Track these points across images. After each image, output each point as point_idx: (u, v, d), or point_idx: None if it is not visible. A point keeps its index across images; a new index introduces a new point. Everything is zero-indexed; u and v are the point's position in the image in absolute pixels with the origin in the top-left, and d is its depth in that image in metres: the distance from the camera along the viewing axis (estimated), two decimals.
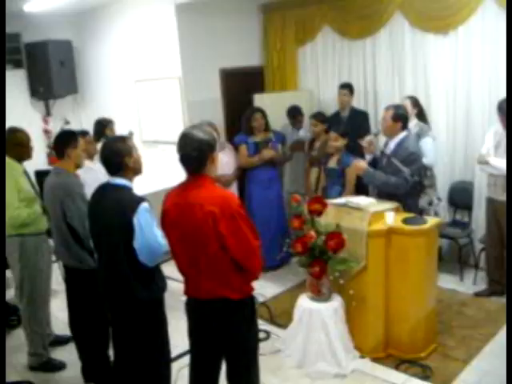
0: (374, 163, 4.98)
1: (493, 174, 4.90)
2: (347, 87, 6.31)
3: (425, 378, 4.03)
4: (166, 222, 2.98)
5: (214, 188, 2.90)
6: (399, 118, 4.64)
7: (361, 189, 5.11)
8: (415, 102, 5.67)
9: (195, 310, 3.06)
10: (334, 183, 5.43)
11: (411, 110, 5.52)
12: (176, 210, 2.91)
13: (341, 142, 5.35)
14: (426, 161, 5.23)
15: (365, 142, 4.95)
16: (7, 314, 5.07)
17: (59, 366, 4.47)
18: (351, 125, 6.03)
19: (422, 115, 5.71)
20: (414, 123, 5.52)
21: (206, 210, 2.76)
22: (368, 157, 5.00)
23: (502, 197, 4.85)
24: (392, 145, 4.68)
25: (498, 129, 4.90)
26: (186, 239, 2.89)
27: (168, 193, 3.04)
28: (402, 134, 4.66)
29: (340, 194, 5.25)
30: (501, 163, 4.75)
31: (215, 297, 2.92)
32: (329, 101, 6.98)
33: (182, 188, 2.95)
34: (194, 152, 2.81)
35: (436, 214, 4.44)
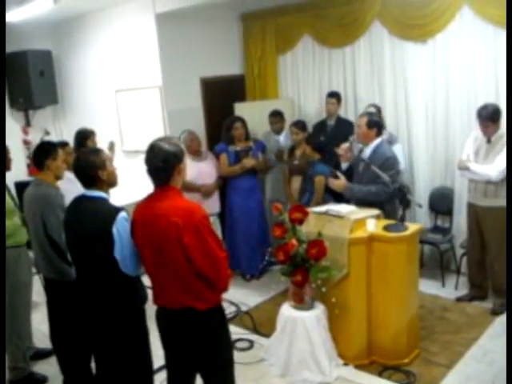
0: (350, 171, 5.03)
1: (473, 179, 4.95)
2: (335, 96, 6.29)
3: None
4: (134, 234, 2.99)
5: (179, 199, 2.90)
6: (374, 124, 4.74)
7: (339, 195, 5.14)
8: (379, 111, 5.75)
9: (164, 319, 3.05)
10: (306, 190, 5.56)
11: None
12: (142, 221, 2.92)
13: (308, 150, 5.52)
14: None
15: (341, 149, 5.01)
16: None
17: (41, 380, 4.42)
18: (336, 133, 6.05)
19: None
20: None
21: (170, 221, 2.77)
22: (344, 165, 5.06)
23: (483, 202, 4.91)
24: (368, 151, 4.75)
25: (477, 135, 4.96)
26: (153, 250, 2.90)
27: (136, 204, 3.04)
28: (377, 141, 4.75)
29: (309, 201, 5.33)
30: (481, 169, 4.81)
31: (182, 306, 2.91)
32: (309, 109, 7.02)
33: (149, 200, 2.96)
34: (161, 164, 2.83)
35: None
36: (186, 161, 3.03)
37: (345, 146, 5.02)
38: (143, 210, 2.95)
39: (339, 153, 5.04)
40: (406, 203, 4.43)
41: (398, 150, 5.60)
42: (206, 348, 2.98)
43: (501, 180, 4.72)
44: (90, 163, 3.13)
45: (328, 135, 6.09)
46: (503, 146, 4.71)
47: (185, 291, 2.89)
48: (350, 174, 4.97)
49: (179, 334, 2.98)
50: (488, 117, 4.73)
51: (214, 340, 3.00)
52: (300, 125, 6.00)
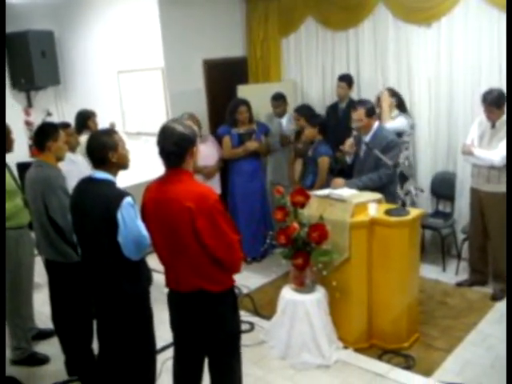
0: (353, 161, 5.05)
1: (476, 164, 4.93)
2: (345, 80, 6.23)
3: (407, 367, 4.08)
4: (146, 216, 2.98)
5: (191, 183, 2.88)
6: (372, 112, 4.79)
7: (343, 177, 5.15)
8: (392, 93, 5.71)
9: (177, 302, 3.07)
10: (309, 172, 5.51)
11: (389, 101, 5.57)
12: (154, 204, 2.90)
13: (309, 132, 5.40)
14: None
15: (346, 146, 5.00)
16: None
17: (43, 360, 4.45)
18: (348, 116, 6.00)
19: (401, 105, 5.75)
20: (395, 113, 5.58)
21: (183, 205, 2.75)
22: (349, 159, 5.06)
23: (486, 187, 4.90)
24: (368, 137, 4.78)
25: (482, 119, 4.93)
26: (165, 233, 2.89)
27: (147, 186, 3.03)
28: (376, 125, 4.82)
29: (312, 183, 5.31)
30: (485, 154, 4.79)
31: (196, 289, 2.92)
32: (312, 91, 6.99)
33: (161, 182, 2.93)
34: (174, 146, 2.80)
35: (413, 204, 4.46)
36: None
37: (349, 141, 5.01)
38: (155, 194, 2.92)
39: (345, 150, 5.02)
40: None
41: (400, 119, 5.62)
42: (217, 328, 3.00)
43: (504, 165, 4.70)
44: (101, 144, 3.11)
45: (340, 118, 6.05)
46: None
47: (198, 274, 2.89)
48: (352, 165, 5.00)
49: (192, 315, 2.99)
50: (493, 102, 4.71)
51: (226, 320, 3.02)
52: (303, 110, 5.99)
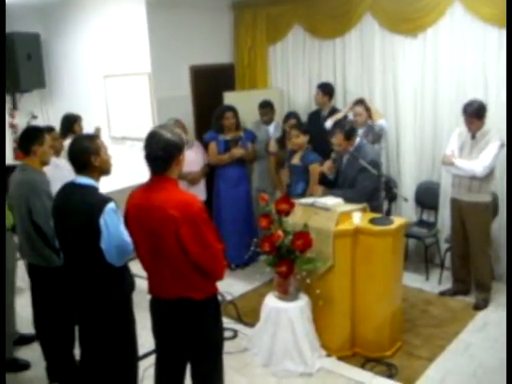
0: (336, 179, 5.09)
1: (458, 174, 4.97)
2: (321, 88, 6.26)
3: (390, 376, 4.08)
4: (129, 223, 2.97)
5: (176, 191, 2.87)
6: (351, 134, 4.73)
7: (328, 185, 5.15)
8: (366, 106, 5.77)
9: (159, 309, 3.06)
10: (298, 180, 5.47)
11: (365, 115, 5.69)
12: (138, 211, 2.89)
13: (301, 139, 5.38)
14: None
15: (325, 167, 5.00)
16: None
17: (24, 366, 4.40)
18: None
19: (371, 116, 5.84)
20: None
21: (167, 213, 2.74)
22: (331, 176, 5.08)
23: (467, 197, 4.94)
24: (352, 148, 4.77)
25: (462, 130, 4.98)
26: (149, 240, 2.88)
27: (131, 192, 3.01)
28: (357, 140, 4.81)
29: (304, 191, 5.31)
30: (466, 164, 4.83)
31: (178, 296, 2.91)
32: (299, 99, 7.01)
33: (145, 189, 2.92)
34: (160, 152, 2.79)
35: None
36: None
37: (328, 164, 4.99)
38: (138, 200, 2.91)
39: (324, 171, 5.03)
40: (392, 197, 4.46)
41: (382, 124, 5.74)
42: (200, 336, 2.99)
43: (485, 176, 4.76)
44: (83, 148, 3.10)
45: (322, 125, 6.07)
46: (487, 143, 4.75)
47: (181, 281, 2.89)
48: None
49: (175, 323, 2.99)
50: (473, 113, 4.75)
51: (209, 327, 3.02)
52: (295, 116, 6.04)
